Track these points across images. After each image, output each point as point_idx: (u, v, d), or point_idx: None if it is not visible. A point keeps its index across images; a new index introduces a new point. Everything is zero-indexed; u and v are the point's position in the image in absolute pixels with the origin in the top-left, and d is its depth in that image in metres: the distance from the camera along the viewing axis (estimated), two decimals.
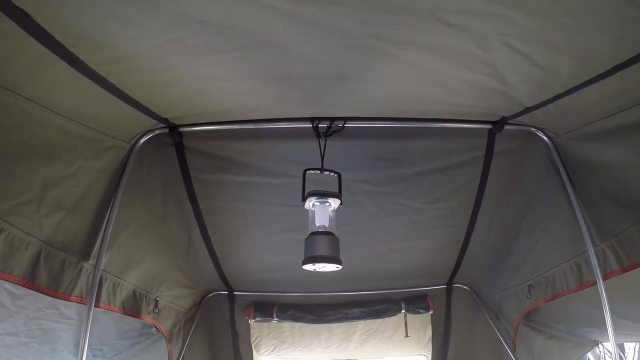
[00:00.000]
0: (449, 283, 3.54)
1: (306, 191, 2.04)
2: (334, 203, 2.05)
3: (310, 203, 2.04)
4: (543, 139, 2.20)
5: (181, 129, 2.17)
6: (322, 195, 2.01)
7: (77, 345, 2.20)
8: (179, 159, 2.36)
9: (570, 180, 2.12)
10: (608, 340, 3.02)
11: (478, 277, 3.40)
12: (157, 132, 2.15)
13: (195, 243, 2.83)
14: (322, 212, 2.05)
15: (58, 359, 2.32)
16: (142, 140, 2.14)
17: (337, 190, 2.07)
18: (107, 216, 2.04)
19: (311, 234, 2.03)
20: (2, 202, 1.53)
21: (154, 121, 2.03)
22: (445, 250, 3.07)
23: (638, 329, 2.43)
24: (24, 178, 1.61)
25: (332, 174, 2.13)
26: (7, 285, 1.72)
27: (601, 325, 2.34)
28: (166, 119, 2.06)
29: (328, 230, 2.03)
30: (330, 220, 2.05)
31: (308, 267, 2.03)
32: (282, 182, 2.47)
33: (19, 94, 1.42)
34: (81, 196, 1.91)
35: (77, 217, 1.90)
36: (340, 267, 2.03)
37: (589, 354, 7.82)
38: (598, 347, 7.50)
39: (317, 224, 2.03)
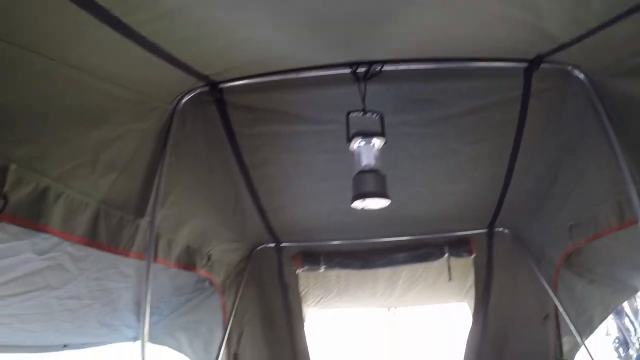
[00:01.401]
0: (491, 227, 3.54)
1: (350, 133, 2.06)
2: (379, 142, 2.06)
3: (355, 144, 2.06)
4: (580, 78, 2.13)
5: (221, 85, 2.18)
6: (367, 134, 2.03)
7: (137, 303, 2.33)
8: (221, 115, 2.37)
9: (609, 118, 2.05)
10: None
11: (519, 220, 3.38)
12: (198, 91, 2.16)
13: (242, 197, 2.89)
14: (368, 151, 2.07)
15: (119, 318, 2.41)
16: (183, 101, 2.15)
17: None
18: (157, 175, 2.10)
19: (358, 172, 2.06)
20: (59, 167, 1.61)
21: (194, 80, 2.04)
22: (485, 192, 3.05)
23: None
24: (77, 142, 1.67)
25: (374, 115, 2.12)
26: (69, 248, 1.79)
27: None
28: (206, 76, 2.06)
29: (374, 169, 2.06)
30: (376, 159, 2.06)
31: (357, 204, 2.06)
32: (324, 128, 2.47)
33: (64, 62, 1.45)
34: (131, 157, 1.97)
35: (129, 177, 1.98)
36: (389, 201, 2.06)
37: (627, 308, 7.93)
38: (636, 300, 7.59)
39: (363, 164, 2.06)
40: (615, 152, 2.00)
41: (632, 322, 7.83)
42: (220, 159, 2.60)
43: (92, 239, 1.77)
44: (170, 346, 3.09)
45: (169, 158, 2.12)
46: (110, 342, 2.70)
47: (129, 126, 1.90)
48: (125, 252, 1.97)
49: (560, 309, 2.95)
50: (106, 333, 2.45)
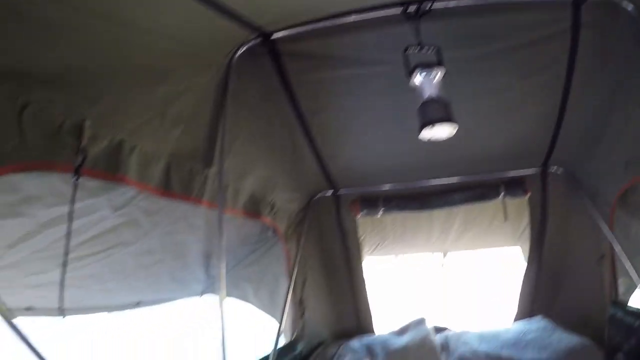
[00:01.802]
0: (545, 166, 3.50)
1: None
2: (439, 72, 2.05)
3: (416, 76, 2.05)
4: (628, 10, 2.07)
5: (274, 36, 2.20)
6: (427, 65, 2.02)
7: (206, 256, 2.47)
8: (276, 66, 2.40)
9: None
10: None
11: (573, 158, 3.32)
12: (251, 43, 2.18)
13: (299, 146, 2.93)
14: (429, 82, 2.06)
15: (189, 272, 2.53)
16: (238, 54, 2.18)
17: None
18: (219, 127, 2.17)
19: (422, 102, 2.06)
20: (130, 122, 1.72)
21: (247, 32, 2.07)
22: (539, 129, 3.02)
23: None
24: (144, 99, 1.76)
25: (430, 49, 2.10)
26: (143, 202, 1.89)
27: None
28: (258, 27, 2.09)
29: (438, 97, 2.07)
30: (438, 89, 2.06)
31: (425, 133, 2.07)
32: (379, 70, 2.47)
33: (122, 22, 1.51)
34: (194, 111, 2.06)
35: (194, 129, 2.07)
36: (457, 126, 2.07)
37: None
38: None
39: (426, 95, 2.05)
40: None
41: None
42: (277, 109, 2.64)
43: (166, 189, 1.89)
44: (236, 297, 3.23)
45: (229, 110, 2.17)
46: (180, 298, 2.81)
47: (190, 81, 1.97)
48: (197, 200, 2.07)
49: (617, 248, 2.90)
50: (176, 288, 2.56)
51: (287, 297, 2.97)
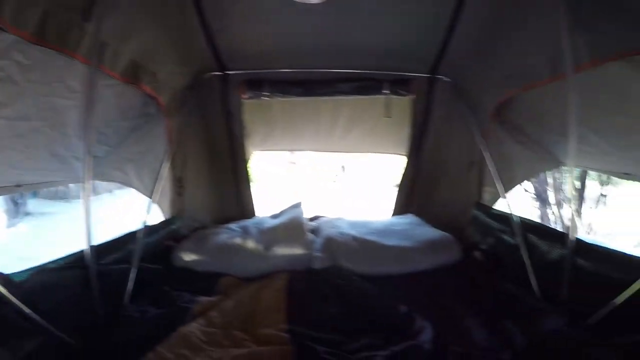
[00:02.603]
0: (432, 73, 3.61)
1: None
2: None
3: None
4: None
5: None
6: None
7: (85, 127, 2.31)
8: None
9: None
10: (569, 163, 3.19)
11: (461, 69, 3.43)
12: None
13: (188, 16, 2.81)
14: None
15: (68, 144, 2.35)
16: None
17: None
18: None
19: None
20: None
21: None
22: (430, 32, 3.06)
23: (601, 149, 2.56)
24: None
25: None
26: (17, 55, 1.77)
27: (564, 131, 2.47)
28: None
29: None
30: None
31: None
32: None
33: None
34: None
35: None
36: None
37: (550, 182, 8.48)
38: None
39: None
40: (558, 3, 2.01)
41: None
42: None
43: (39, 37, 1.76)
44: (119, 181, 3.13)
45: None
46: (63, 181, 2.67)
47: None
48: (71, 54, 1.96)
49: (487, 158, 3.12)
50: (57, 168, 2.41)
51: (158, 172, 2.94)
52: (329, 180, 19.40)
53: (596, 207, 9.60)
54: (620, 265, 1.89)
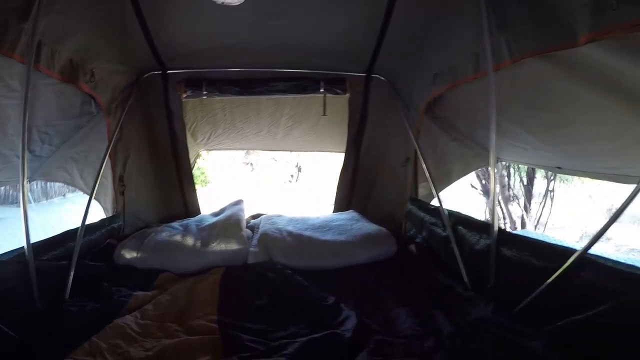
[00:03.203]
0: (368, 72, 3.74)
1: None
2: None
3: None
4: None
5: None
6: None
7: (29, 130, 2.35)
8: None
9: None
10: (506, 159, 3.27)
11: (394, 68, 3.57)
12: None
13: (127, 16, 2.84)
14: None
15: (8, 143, 2.39)
16: None
17: None
18: None
19: None
20: None
21: None
22: (363, 33, 3.16)
23: (531, 144, 2.67)
24: None
25: None
26: None
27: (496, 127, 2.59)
28: None
29: None
30: None
31: None
32: None
33: None
34: None
35: None
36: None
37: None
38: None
39: None
40: (481, 4, 2.10)
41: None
42: None
43: None
44: (63, 180, 3.20)
45: None
46: (6, 181, 2.70)
47: None
48: (7, 54, 1.96)
49: (419, 154, 3.22)
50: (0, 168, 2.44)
51: (99, 170, 2.93)
52: (285, 180, 19.54)
53: (544, 202, 9.89)
54: (542, 254, 1.95)
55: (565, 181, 11.01)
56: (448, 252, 2.65)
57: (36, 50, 2.09)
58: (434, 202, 3.20)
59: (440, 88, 2.89)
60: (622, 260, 1.58)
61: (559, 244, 2.08)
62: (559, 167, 2.88)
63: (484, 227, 2.36)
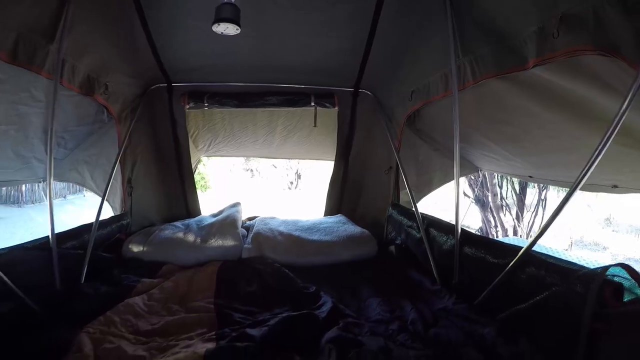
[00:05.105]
0: (356, 87, 4.04)
1: None
2: None
3: None
4: None
5: None
6: None
7: (46, 132, 2.63)
8: None
9: (451, 4, 2.36)
10: (484, 168, 3.51)
11: (378, 83, 3.83)
12: None
13: (137, 35, 3.12)
14: None
15: (30, 148, 2.67)
16: None
17: None
18: (65, 7, 2.28)
19: (219, 4, 2.55)
20: None
21: None
22: (350, 52, 3.44)
23: (502, 155, 2.94)
24: None
25: None
26: None
27: (469, 140, 2.83)
28: None
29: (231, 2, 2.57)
30: None
31: (215, 28, 2.58)
32: None
33: None
34: None
35: (40, 8, 2.15)
36: (239, 29, 2.58)
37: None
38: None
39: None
40: (449, 31, 2.35)
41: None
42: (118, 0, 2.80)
43: (14, 58, 2.02)
44: (75, 181, 3.48)
45: None
46: (24, 180, 2.95)
47: None
48: (37, 70, 2.20)
49: (399, 163, 3.48)
50: (19, 167, 2.71)
51: (111, 173, 3.19)
52: (285, 187, 19.80)
53: (536, 211, 10.11)
54: (495, 252, 2.16)
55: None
56: (422, 252, 2.88)
57: (60, 67, 2.34)
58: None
59: (417, 104, 3.13)
60: (564, 258, 1.82)
61: (509, 242, 2.34)
62: (530, 177, 3.15)
63: (451, 229, 2.56)
